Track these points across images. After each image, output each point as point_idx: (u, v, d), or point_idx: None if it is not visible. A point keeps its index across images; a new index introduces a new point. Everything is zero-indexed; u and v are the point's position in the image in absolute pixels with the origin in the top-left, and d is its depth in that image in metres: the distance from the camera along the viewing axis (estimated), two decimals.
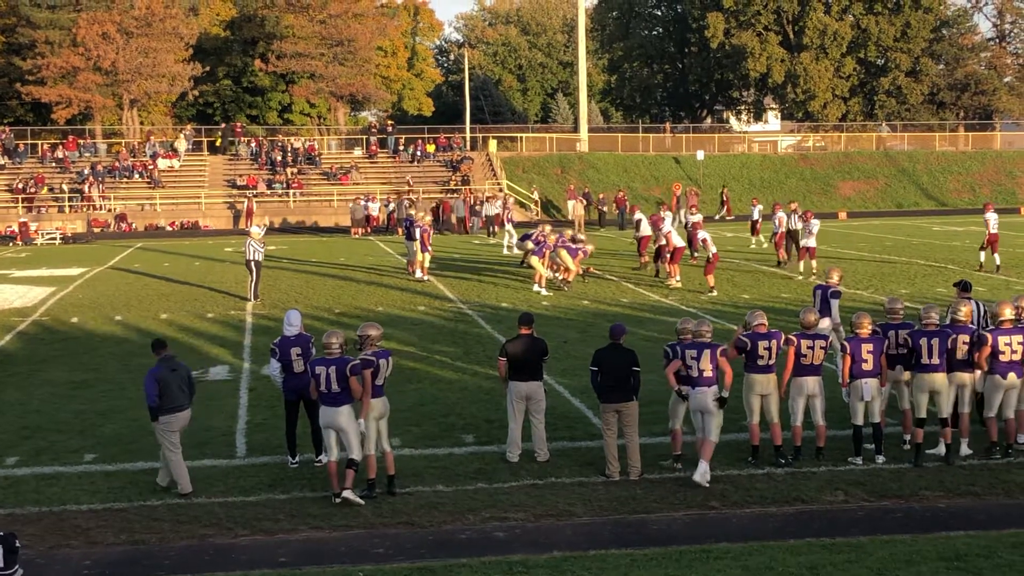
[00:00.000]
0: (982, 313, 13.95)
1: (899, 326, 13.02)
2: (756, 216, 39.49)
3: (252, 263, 26.27)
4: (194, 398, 12.16)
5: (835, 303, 16.17)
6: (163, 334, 21.94)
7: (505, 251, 37.25)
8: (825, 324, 15.31)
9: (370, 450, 11.61)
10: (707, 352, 11.92)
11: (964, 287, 14.77)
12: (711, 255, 26.04)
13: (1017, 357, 12.53)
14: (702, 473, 11.66)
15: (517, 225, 41.43)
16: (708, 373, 11.89)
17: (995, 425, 12.64)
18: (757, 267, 30.85)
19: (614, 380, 12.08)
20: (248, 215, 51.85)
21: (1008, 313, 12.70)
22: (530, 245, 27.26)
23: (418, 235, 29.48)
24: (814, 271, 28.71)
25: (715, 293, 25.56)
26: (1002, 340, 12.51)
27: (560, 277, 27.37)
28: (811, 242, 28.99)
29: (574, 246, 27.39)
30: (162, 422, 11.73)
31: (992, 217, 29.64)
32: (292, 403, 12.77)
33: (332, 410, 11.46)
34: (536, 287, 26.72)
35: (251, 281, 26.45)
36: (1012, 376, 12.54)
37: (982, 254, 30.24)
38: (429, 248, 29.96)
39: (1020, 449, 12.76)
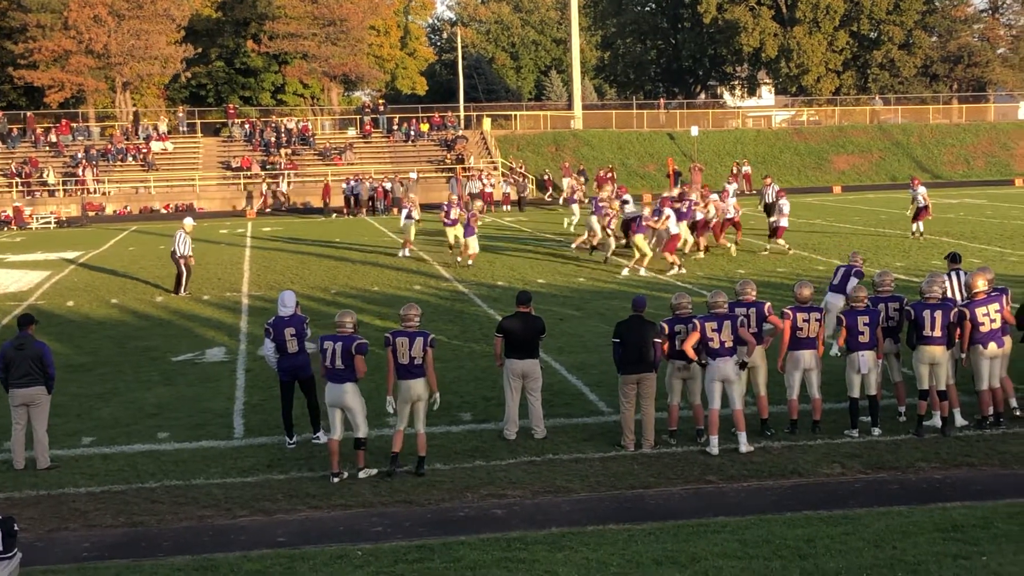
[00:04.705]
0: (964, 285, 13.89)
1: (889, 299, 13.08)
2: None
3: (181, 258, 24.69)
4: (51, 382, 12.35)
5: (855, 282, 16.02)
6: (160, 316, 21.97)
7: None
8: (840, 302, 15.29)
9: (399, 426, 11.65)
10: (727, 323, 12.02)
11: (954, 259, 14.90)
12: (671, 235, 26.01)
13: (996, 326, 12.58)
14: (744, 443, 11.96)
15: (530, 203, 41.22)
16: (728, 344, 12.02)
17: (987, 398, 12.67)
18: (752, 242, 30.80)
19: (634, 351, 12.13)
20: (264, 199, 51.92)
21: (981, 284, 12.72)
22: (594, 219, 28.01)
23: (468, 220, 28.20)
24: (788, 249, 28.46)
25: (679, 270, 25.28)
26: (979, 311, 12.55)
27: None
28: (783, 221, 28.67)
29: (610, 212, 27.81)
30: (9, 394, 12.31)
31: (923, 190, 31.64)
32: (287, 384, 12.79)
33: (337, 387, 11.47)
34: (626, 270, 25.58)
35: (181, 275, 24.84)
36: (992, 346, 12.58)
37: (921, 225, 31.23)
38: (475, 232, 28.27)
39: (1013, 415, 12.83)
